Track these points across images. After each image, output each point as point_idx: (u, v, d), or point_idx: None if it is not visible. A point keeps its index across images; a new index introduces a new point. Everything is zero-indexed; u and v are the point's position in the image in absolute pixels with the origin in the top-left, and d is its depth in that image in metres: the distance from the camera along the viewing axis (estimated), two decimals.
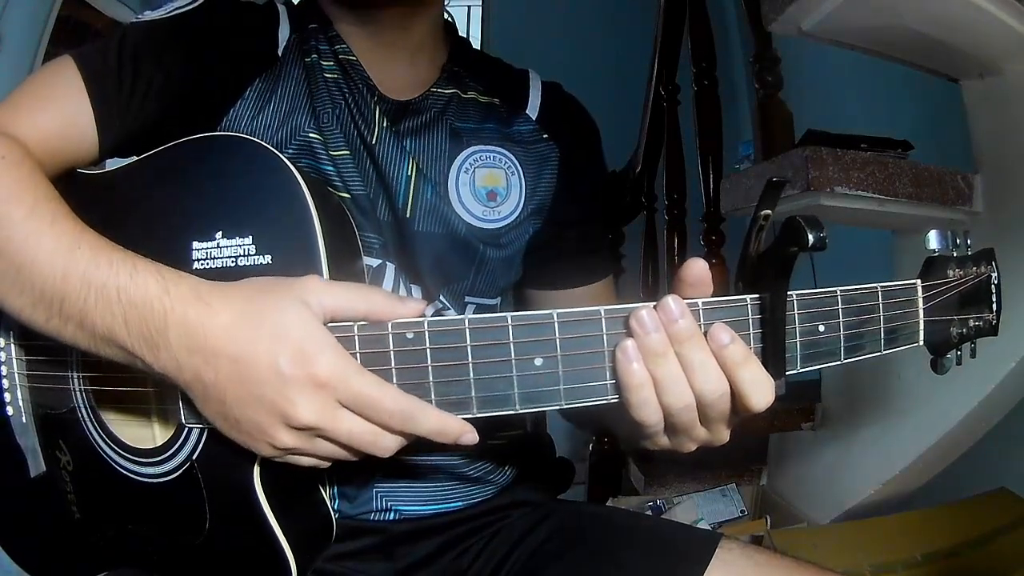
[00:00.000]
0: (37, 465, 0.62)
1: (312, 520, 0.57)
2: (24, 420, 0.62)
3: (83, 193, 0.59)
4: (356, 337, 0.46)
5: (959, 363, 0.54)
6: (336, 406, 0.45)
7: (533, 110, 0.75)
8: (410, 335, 0.46)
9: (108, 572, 0.61)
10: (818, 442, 1.60)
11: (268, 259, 0.50)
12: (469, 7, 4.37)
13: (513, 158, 0.71)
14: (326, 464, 0.49)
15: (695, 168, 1.81)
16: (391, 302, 0.47)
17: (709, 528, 1.47)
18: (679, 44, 1.96)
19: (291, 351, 0.44)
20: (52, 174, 0.56)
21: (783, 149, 1.50)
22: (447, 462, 0.69)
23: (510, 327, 0.45)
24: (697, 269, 0.46)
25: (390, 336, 0.46)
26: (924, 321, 0.51)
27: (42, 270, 0.48)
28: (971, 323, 0.53)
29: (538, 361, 0.45)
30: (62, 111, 0.59)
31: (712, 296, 0.46)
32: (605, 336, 0.45)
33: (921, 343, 0.52)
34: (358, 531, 0.66)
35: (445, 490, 0.69)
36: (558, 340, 0.45)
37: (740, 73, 3.05)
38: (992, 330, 0.54)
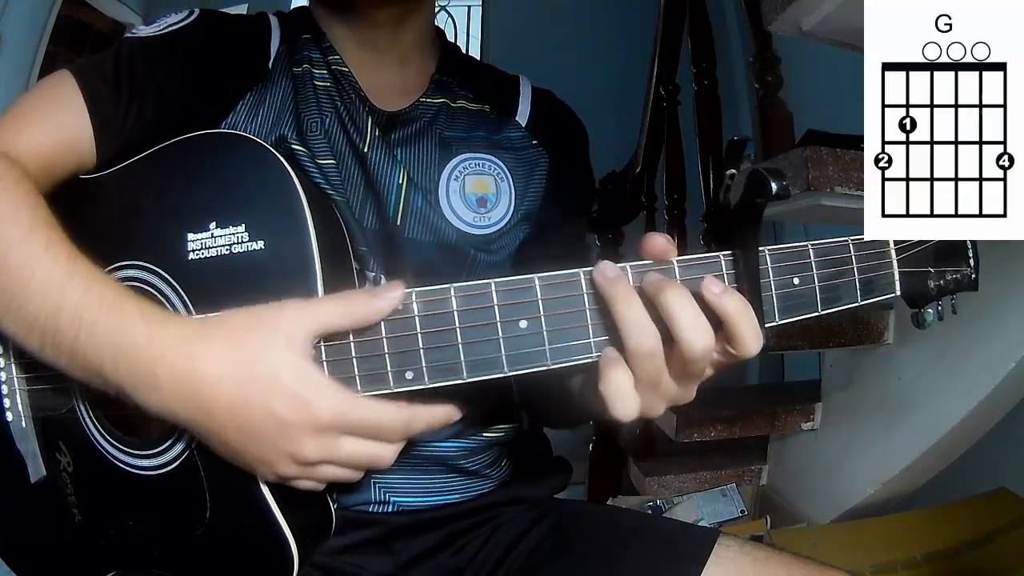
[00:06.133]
0: (37, 470, 0.61)
1: (311, 509, 0.57)
2: (24, 425, 0.62)
3: (79, 193, 0.60)
4: None
5: (940, 319, 0.55)
6: (338, 437, 0.46)
7: (523, 116, 0.75)
8: (399, 305, 0.47)
9: (112, 574, 0.61)
10: (818, 442, 1.60)
11: (261, 244, 0.51)
12: (469, 7, 4.37)
13: (502, 164, 0.72)
14: (321, 487, 0.50)
15: (695, 168, 1.81)
16: (370, 304, 0.46)
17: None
18: (679, 44, 1.96)
19: (286, 399, 0.44)
20: (51, 186, 0.57)
21: (783, 149, 1.50)
22: (445, 454, 0.69)
23: (494, 292, 0.47)
24: (660, 244, 0.47)
25: None
26: (899, 272, 0.52)
27: (35, 299, 0.48)
28: (948, 276, 0.54)
29: (523, 323, 0.47)
30: (62, 127, 0.60)
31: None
32: (585, 296, 0.47)
33: (898, 293, 0.53)
34: (356, 523, 0.66)
35: (443, 483, 0.69)
36: (540, 302, 0.47)
37: (740, 73, 3.05)
38: (972, 284, 0.55)
